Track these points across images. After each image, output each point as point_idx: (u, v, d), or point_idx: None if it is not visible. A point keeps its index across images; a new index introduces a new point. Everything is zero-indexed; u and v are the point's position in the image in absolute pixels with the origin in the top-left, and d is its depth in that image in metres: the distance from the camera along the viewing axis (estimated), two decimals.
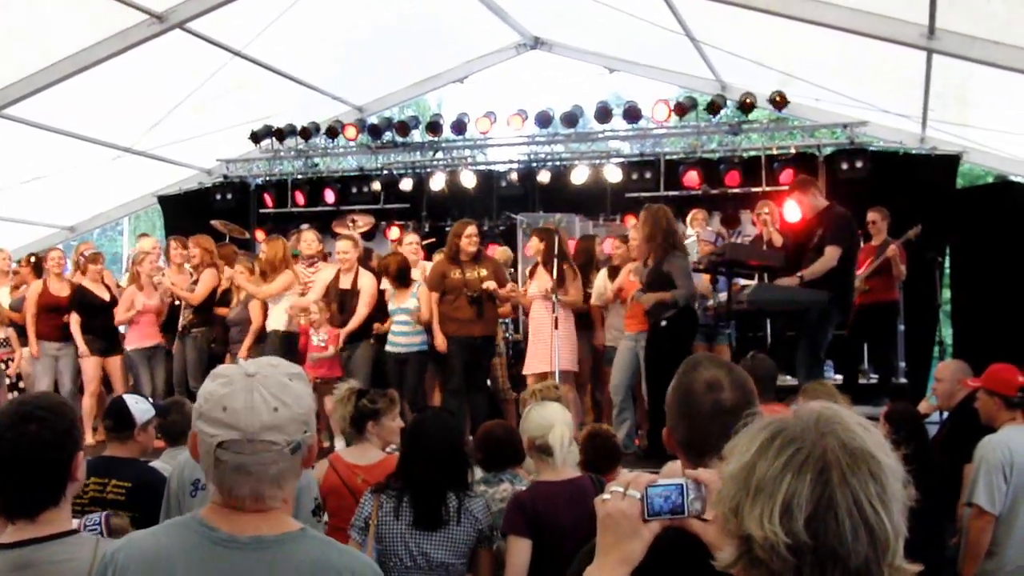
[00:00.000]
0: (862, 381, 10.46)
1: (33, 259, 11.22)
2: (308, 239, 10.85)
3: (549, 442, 4.46)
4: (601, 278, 9.65)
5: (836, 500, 1.38)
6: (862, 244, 10.33)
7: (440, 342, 9.12)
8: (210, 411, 2.02)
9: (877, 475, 1.41)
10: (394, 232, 13.16)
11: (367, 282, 9.70)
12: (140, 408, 4.81)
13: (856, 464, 1.40)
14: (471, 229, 9.34)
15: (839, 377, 9.97)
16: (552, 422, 4.52)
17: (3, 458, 2.60)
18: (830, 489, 1.38)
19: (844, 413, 1.49)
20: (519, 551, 4.25)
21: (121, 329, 10.43)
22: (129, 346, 10.18)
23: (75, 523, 2.83)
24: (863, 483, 1.39)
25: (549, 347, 9.09)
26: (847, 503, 1.38)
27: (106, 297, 10.19)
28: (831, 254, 7.96)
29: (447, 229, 12.78)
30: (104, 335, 10.14)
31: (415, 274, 9.67)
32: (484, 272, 9.15)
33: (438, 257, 9.95)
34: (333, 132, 13.77)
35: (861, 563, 1.38)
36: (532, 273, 9.59)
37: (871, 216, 10.19)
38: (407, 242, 10.57)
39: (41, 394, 3.16)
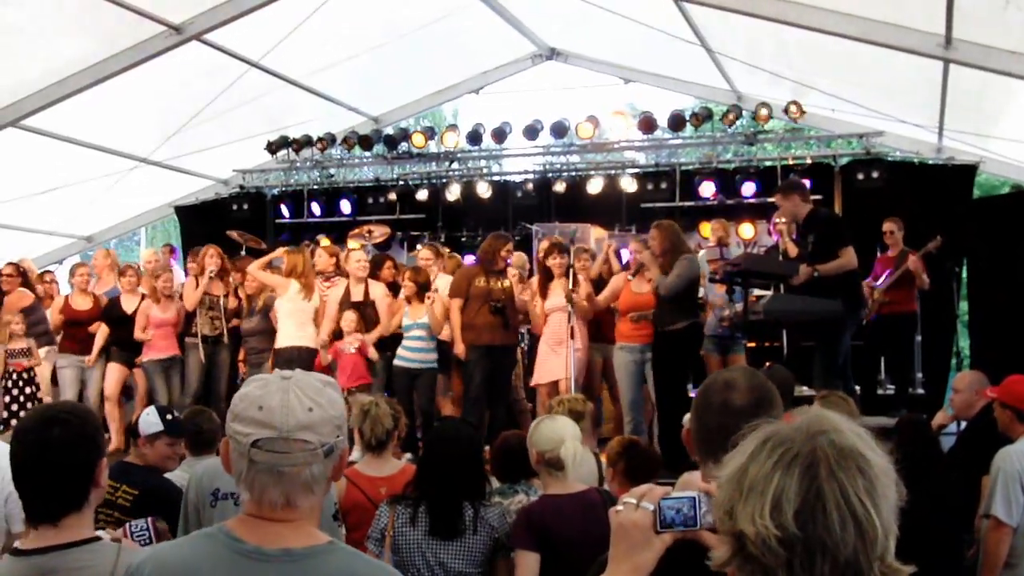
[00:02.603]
0: (878, 392, 10.42)
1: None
2: (319, 254, 10.86)
3: (561, 456, 4.42)
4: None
5: (824, 493, 1.41)
6: (878, 254, 10.32)
7: (460, 349, 9.14)
8: (245, 411, 2.03)
9: (865, 471, 1.44)
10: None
11: (380, 292, 9.72)
12: (147, 421, 4.88)
13: (844, 460, 1.44)
14: (511, 246, 9.48)
15: (857, 388, 9.89)
16: (563, 436, 4.47)
17: (28, 462, 2.62)
18: (818, 483, 1.42)
19: (836, 418, 1.53)
20: (527, 565, 4.23)
21: None
22: (145, 357, 10.23)
23: (107, 533, 2.84)
24: (851, 477, 1.43)
25: (564, 358, 9.07)
26: (835, 496, 1.41)
27: (133, 308, 10.32)
28: (849, 256, 7.95)
29: (463, 239, 12.90)
30: (130, 346, 10.29)
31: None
32: (507, 283, 9.23)
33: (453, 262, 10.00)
34: (349, 143, 13.82)
35: (850, 555, 1.41)
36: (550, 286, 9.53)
37: (889, 226, 10.16)
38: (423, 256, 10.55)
39: (65, 401, 3.22)
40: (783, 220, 10.04)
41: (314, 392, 2.06)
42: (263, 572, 2.00)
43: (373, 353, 9.43)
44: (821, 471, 1.42)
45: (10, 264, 10.75)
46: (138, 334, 10.15)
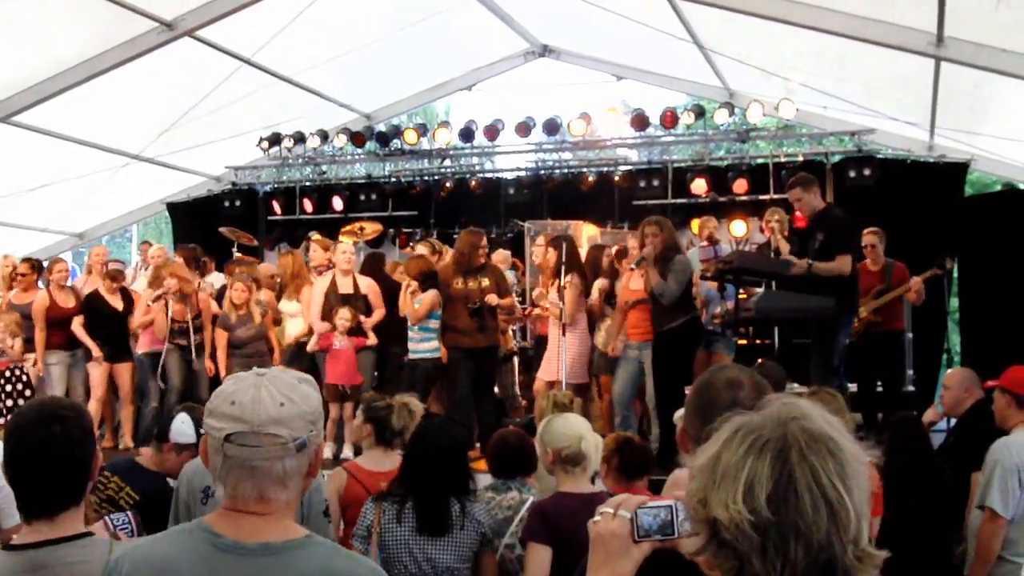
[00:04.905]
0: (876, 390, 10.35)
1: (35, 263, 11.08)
2: (313, 248, 10.83)
3: (582, 450, 4.39)
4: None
5: (795, 476, 1.43)
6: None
7: (442, 353, 9.08)
8: (218, 406, 2.07)
9: (836, 455, 1.45)
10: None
11: (369, 283, 9.67)
12: (181, 430, 4.77)
13: (815, 443, 1.46)
14: (485, 242, 9.30)
15: (852, 386, 9.82)
16: (579, 431, 4.45)
17: (29, 458, 2.61)
18: (789, 467, 1.44)
19: (805, 405, 1.54)
20: (539, 558, 4.17)
21: None
22: (140, 350, 10.18)
23: (98, 524, 2.85)
24: (822, 460, 1.44)
25: (557, 356, 9.06)
26: (806, 479, 1.43)
27: (119, 307, 10.16)
28: (844, 263, 7.86)
29: (455, 236, 12.86)
30: (112, 342, 10.12)
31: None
32: (486, 282, 9.03)
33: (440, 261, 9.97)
34: (341, 139, 13.81)
35: (823, 538, 1.42)
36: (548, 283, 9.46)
37: (871, 239, 9.82)
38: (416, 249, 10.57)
39: (59, 397, 3.24)
40: (775, 218, 10.00)
41: (287, 388, 2.08)
42: (242, 566, 2.01)
43: (372, 337, 9.38)
44: (792, 455, 1.44)
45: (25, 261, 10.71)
46: (137, 320, 10.07)
